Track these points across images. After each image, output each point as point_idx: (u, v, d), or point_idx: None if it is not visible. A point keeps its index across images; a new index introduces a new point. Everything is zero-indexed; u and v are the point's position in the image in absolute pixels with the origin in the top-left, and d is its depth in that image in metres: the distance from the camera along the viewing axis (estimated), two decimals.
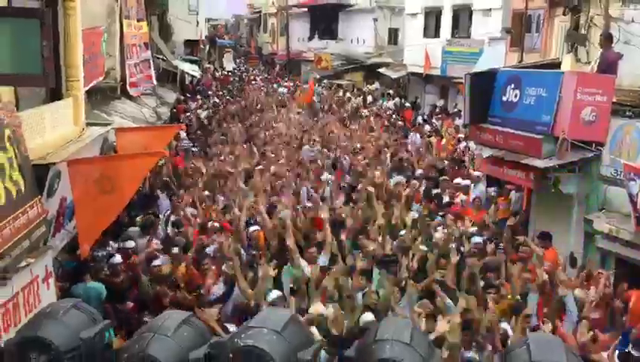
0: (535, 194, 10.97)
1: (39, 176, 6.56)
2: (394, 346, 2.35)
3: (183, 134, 17.61)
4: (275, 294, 6.93)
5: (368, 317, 6.48)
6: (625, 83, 10.18)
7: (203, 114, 23.53)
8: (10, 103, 6.45)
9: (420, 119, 22.57)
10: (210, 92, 31.29)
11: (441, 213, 10.82)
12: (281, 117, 21.52)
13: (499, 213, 11.62)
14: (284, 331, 2.39)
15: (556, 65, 11.10)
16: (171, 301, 6.92)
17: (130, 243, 8.72)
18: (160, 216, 10.29)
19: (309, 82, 28.19)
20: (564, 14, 12.38)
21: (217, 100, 28.08)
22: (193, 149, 16.69)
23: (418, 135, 19.31)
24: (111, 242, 8.87)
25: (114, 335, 5.57)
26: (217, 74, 42.57)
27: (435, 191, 12.39)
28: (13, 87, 6.95)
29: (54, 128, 7.74)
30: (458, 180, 12.71)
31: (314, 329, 5.98)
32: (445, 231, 9.25)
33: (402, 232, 9.22)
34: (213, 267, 8.09)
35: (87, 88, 10.86)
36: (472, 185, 12.63)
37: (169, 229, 9.78)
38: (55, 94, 8.45)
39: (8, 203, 5.37)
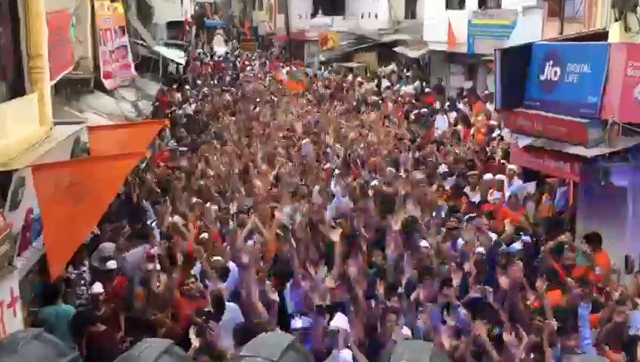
0: (582, 188, 10.90)
1: (0, 185, 6.59)
2: None
3: (169, 132, 17.68)
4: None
5: None
6: None
7: (190, 108, 23.60)
8: None
9: (445, 105, 22.54)
10: (198, 82, 31.39)
11: (471, 215, 10.79)
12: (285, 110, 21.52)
13: (540, 212, 11.60)
14: (281, 361, 2.37)
15: (603, 36, 11.03)
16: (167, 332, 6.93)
17: (112, 264, 8.69)
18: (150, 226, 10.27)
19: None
20: None
21: (207, 91, 28.17)
22: (181, 149, 16.72)
23: (446, 117, 19.33)
24: (86, 261, 8.88)
25: None
26: (207, 60, 42.71)
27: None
28: None
29: (17, 129, 7.74)
30: (489, 175, 12.67)
31: None
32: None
33: (424, 243, 9.22)
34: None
35: (54, 81, 10.90)
36: (507, 180, 12.59)
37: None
38: (17, 89, 8.47)
39: None
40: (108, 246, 9.31)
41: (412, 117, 20.91)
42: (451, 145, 15.75)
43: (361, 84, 29.20)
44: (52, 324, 7.22)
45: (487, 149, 15.26)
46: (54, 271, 7.32)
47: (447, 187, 12.72)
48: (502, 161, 13.95)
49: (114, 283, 8.48)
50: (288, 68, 36.31)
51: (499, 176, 12.64)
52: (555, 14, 15.92)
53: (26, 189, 7.27)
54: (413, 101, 23.79)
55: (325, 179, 13.11)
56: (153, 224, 10.31)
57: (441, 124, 19.45)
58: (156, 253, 8.63)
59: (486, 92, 21.78)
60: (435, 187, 12.26)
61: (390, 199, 11.01)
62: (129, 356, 2.57)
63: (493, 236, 10.00)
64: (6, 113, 7.53)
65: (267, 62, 41.98)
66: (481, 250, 9.23)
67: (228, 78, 34.08)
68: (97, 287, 8.03)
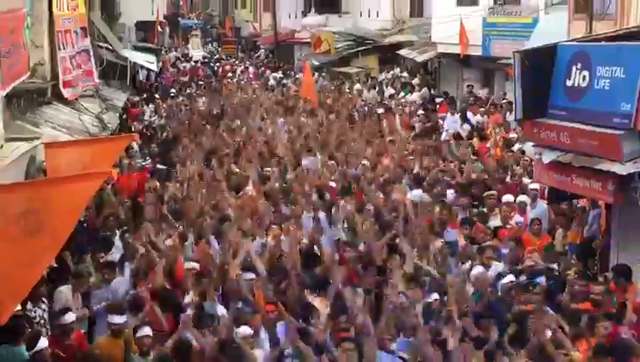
0: (617, 210, 10.95)
1: None
2: None
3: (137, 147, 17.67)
4: None
5: None
6: None
7: (154, 118, 23.71)
8: None
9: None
10: (172, 91, 31.40)
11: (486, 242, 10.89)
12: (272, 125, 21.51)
13: (568, 238, 11.66)
14: None
15: (638, 35, 11.13)
16: None
17: (70, 317, 8.35)
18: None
19: (303, 69, 28.10)
20: None
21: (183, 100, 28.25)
22: (159, 167, 16.72)
23: (457, 117, 19.49)
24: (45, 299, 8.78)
25: None
26: (182, 65, 42.82)
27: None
28: None
29: None
30: (509, 196, 12.74)
31: None
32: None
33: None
34: None
35: (6, 91, 10.92)
36: (529, 202, 12.64)
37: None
38: None
39: None
40: (64, 292, 9.12)
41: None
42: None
43: (360, 92, 29.33)
44: None
45: (507, 166, 15.30)
46: (4, 314, 7.19)
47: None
48: (522, 179, 14.00)
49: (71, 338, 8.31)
50: (276, 74, 36.52)
51: (521, 198, 12.66)
52: (583, 10, 16.07)
53: None
54: (422, 112, 23.73)
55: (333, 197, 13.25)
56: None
57: (451, 124, 19.59)
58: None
59: (504, 100, 21.92)
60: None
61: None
62: None
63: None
64: None
65: (250, 68, 41.93)
66: None
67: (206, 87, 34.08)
68: (42, 343, 7.79)
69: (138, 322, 8.22)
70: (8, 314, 7.21)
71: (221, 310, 8.87)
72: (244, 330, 7.99)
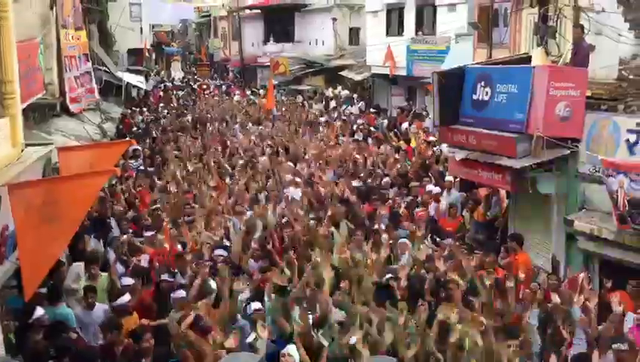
0: (512, 196, 11.21)
1: None
2: None
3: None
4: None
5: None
6: (598, 75, 10.52)
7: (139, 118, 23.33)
8: None
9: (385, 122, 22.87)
10: (157, 106, 30.97)
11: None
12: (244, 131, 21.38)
13: (475, 217, 11.91)
14: None
15: (527, 59, 11.36)
16: None
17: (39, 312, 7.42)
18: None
19: (267, 85, 28.02)
20: (531, 6, 12.73)
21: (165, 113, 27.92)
22: (149, 169, 16.46)
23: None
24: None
25: None
26: (168, 85, 42.22)
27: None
28: None
29: None
30: (430, 187, 12.92)
31: None
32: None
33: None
34: None
35: (25, 105, 10.71)
36: (445, 191, 12.85)
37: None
38: None
39: None
40: (78, 267, 8.74)
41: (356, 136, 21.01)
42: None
43: (309, 105, 29.35)
44: None
45: (428, 163, 15.48)
46: (28, 291, 7.08)
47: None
48: (437, 175, 14.19)
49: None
50: (243, 91, 36.30)
51: (436, 188, 12.85)
52: (484, 40, 16.33)
53: (2, 207, 7.13)
54: (358, 121, 23.84)
55: None
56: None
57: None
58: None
59: (424, 112, 22.16)
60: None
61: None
62: None
63: None
64: None
65: (224, 86, 41.63)
66: None
67: (186, 101, 33.65)
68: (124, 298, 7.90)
69: None
70: (32, 290, 7.09)
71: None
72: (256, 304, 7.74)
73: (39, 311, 7.30)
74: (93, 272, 8.59)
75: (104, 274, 8.73)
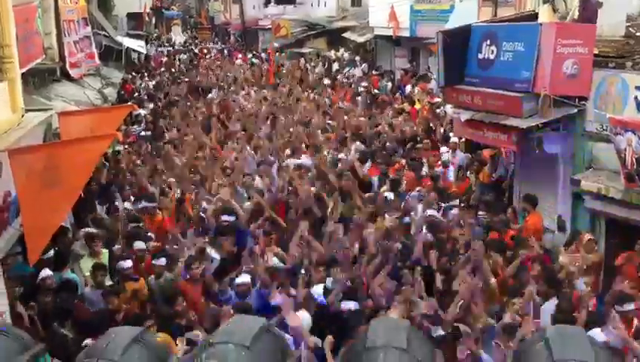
0: (519, 156, 11.12)
1: None
2: (388, 354, 2.17)
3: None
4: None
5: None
6: (605, 32, 10.32)
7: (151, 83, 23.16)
8: None
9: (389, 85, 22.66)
10: (159, 71, 30.80)
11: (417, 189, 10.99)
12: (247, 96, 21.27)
13: (480, 178, 11.85)
14: (254, 346, 2.19)
15: (533, 17, 11.17)
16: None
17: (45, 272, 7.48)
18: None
19: (268, 51, 27.80)
20: None
21: (167, 78, 27.76)
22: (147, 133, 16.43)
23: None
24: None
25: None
26: (164, 50, 41.92)
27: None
28: None
29: None
30: (443, 148, 12.89)
31: None
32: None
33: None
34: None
35: (25, 69, 10.60)
36: (450, 152, 12.78)
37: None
38: None
39: None
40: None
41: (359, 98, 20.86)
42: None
43: (312, 68, 29.09)
44: None
45: (432, 124, 15.39)
46: (33, 256, 7.08)
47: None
48: (443, 136, 14.12)
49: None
50: (245, 55, 36.00)
51: (444, 149, 12.78)
52: None
53: (2, 173, 7.08)
54: (361, 84, 23.69)
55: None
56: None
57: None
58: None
59: (429, 73, 21.95)
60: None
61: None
62: (94, 349, 2.36)
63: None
64: None
65: (225, 50, 41.35)
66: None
67: (186, 66, 33.40)
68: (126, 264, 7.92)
69: None
70: (37, 253, 7.11)
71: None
72: None
73: (46, 271, 7.31)
74: (96, 249, 8.29)
75: (105, 251, 8.45)
